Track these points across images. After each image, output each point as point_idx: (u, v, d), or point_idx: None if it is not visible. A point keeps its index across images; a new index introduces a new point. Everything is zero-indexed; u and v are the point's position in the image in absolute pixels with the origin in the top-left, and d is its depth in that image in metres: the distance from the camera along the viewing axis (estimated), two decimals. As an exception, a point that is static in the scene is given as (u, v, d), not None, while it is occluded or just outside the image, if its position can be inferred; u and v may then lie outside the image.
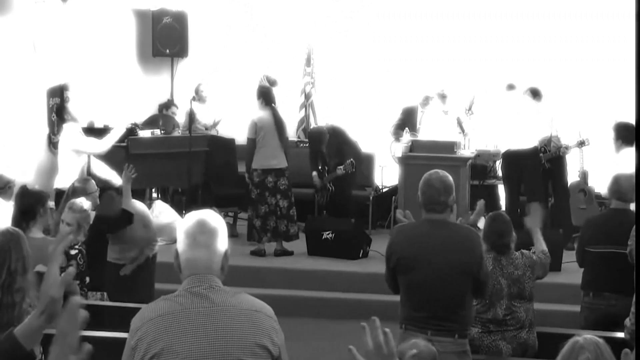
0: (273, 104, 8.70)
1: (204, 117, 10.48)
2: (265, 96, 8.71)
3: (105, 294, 5.95)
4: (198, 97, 10.55)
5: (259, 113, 8.65)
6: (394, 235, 4.65)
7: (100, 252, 6.06)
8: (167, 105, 10.75)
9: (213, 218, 2.84)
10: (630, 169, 5.75)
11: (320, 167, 9.68)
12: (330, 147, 9.62)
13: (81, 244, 5.61)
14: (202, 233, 2.78)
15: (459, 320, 4.36)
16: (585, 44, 10.95)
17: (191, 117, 9.68)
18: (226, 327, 2.67)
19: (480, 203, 5.02)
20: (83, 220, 5.66)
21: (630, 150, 7.12)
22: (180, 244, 2.80)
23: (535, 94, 9.27)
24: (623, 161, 7.04)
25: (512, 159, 8.98)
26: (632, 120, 7.62)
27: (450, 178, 4.49)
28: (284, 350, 2.81)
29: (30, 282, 3.52)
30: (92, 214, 5.89)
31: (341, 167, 9.37)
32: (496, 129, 9.21)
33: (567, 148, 9.26)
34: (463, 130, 10.08)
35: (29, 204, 5.34)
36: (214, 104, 10.81)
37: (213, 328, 2.66)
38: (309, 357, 6.80)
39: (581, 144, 9.14)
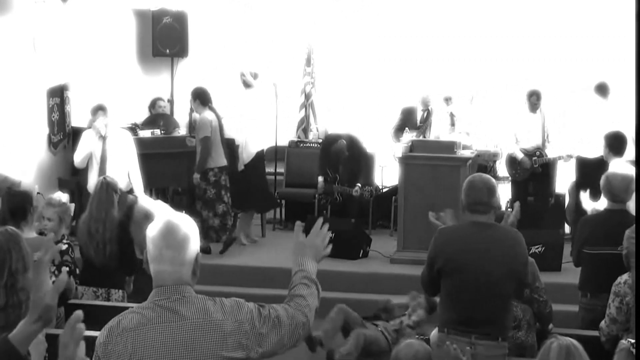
0: (210, 104, 8.89)
1: None
2: (202, 97, 8.90)
3: (123, 292, 5.95)
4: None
5: (204, 113, 8.82)
6: (438, 238, 4.59)
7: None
8: (153, 104, 10.70)
9: (182, 224, 2.71)
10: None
11: (329, 173, 9.63)
12: (346, 158, 9.59)
13: (68, 237, 5.62)
14: (168, 247, 2.67)
15: (502, 323, 4.36)
16: (588, 44, 10.95)
17: (193, 123, 9.71)
18: (192, 341, 2.62)
19: (517, 205, 5.13)
20: (63, 214, 5.67)
21: (620, 160, 7.09)
22: (149, 252, 2.71)
23: (603, 90, 9.18)
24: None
25: (588, 166, 8.78)
26: (631, 120, 7.63)
27: (493, 180, 4.61)
28: (261, 328, 2.71)
29: (34, 289, 3.51)
30: (72, 207, 5.91)
31: (358, 189, 9.37)
32: (573, 133, 9.10)
33: (570, 156, 9.24)
34: (453, 124, 10.12)
35: (19, 204, 5.33)
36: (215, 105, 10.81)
37: (179, 344, 2.62)
38: (308, 357, 6.80)
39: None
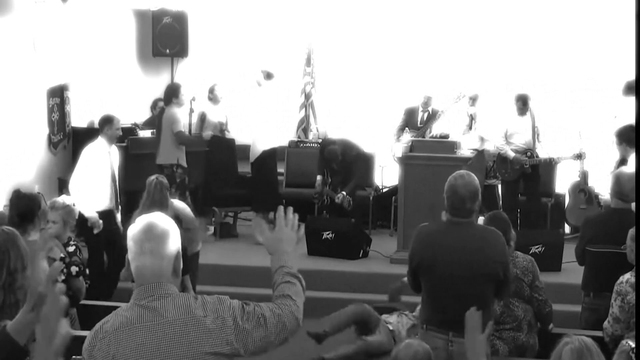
0: (165, 106, 9.07)
1: (216, 116, 10.50)
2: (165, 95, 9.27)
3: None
4: (212, 97, 10.55)
5: None
6: (416, 236, 4.61)
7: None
8: (154, 104, 10.71)
9: (162, 221, 2.74)
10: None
11: (325, 175, 9.60)
12: (338, 163, 9.53)
13: (74, 239, 5.63)
14: (148, 240, 2.68)
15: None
16: (588, 44, 10.94)
17: (202, 118, 9.74)
18: (174, 340, 2.61)
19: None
20: (67, 216, 5.69)
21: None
22: (130, 252, 2.72)
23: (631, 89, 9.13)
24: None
25: None
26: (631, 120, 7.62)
27: (477, 182, 4.45)
28: (245, 324, 2.71)
29: (30, 280, 3.53)
30: (76, 210, 5.92)
31: (340, 196, 9.27)
32: None
33: (560, 159, 9.31)
34: (471, 126, 10.11)
35: (27, 207, 5.31)
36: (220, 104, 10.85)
37: (160, 344, 2.60)
38: (308, 356, 6.80)
39: (578, 157, 9.19)
